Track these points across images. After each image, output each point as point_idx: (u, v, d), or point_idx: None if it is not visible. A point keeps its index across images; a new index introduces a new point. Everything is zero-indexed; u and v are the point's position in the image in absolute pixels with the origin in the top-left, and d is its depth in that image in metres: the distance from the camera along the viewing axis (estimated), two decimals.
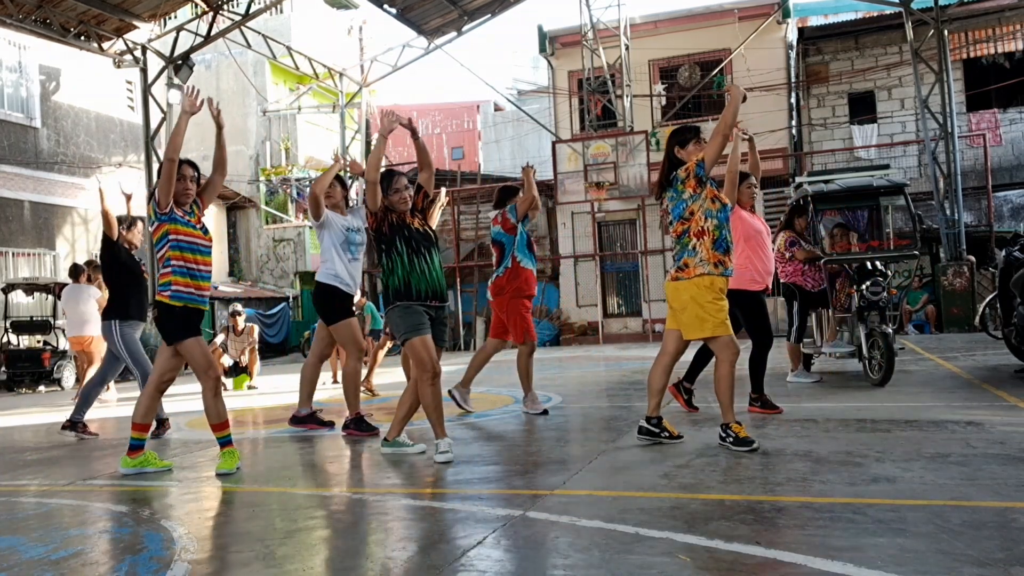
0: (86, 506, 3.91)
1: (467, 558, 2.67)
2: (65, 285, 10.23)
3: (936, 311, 15.61)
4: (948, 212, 15.19)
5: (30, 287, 14.69)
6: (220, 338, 10.90)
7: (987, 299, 10.05)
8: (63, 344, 13.14)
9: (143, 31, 16.66)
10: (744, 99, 4.32)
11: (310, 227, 21.35)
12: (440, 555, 2.73)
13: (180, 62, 16.81)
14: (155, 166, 15.87)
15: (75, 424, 6.34)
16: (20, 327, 14.24)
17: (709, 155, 4.27)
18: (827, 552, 2.50)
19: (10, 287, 14.45)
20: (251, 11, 17.62)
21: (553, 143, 19.01)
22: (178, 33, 16.87)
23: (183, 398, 8.95)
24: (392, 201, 4.58)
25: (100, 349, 8.19)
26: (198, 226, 4.55)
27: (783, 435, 4.63)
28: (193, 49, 17.07)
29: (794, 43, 18.67)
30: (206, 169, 4.75)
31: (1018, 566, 2.31)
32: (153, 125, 16.84)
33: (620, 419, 5.67)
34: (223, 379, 10.43)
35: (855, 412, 5.33)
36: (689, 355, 5.50)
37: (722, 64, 18.33)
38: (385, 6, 18.13)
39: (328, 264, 5.67)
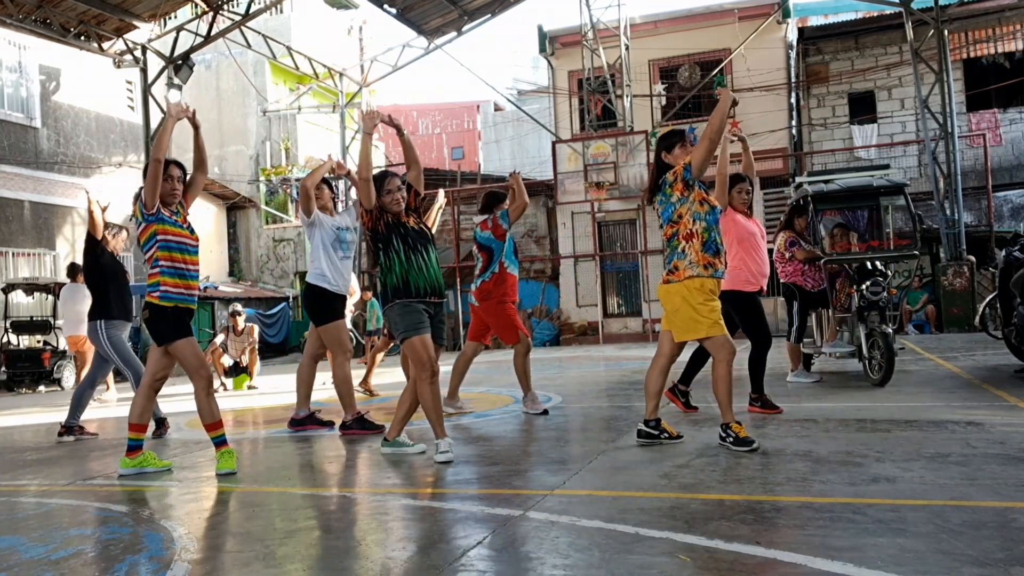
0: (86, 506, 3.91)
1: (467, 558, 2.67)
2: (64, 285, 10.24)
3: (936, 311, 15.62)
4: (948, 212, 15.19)
5: (30, 287, 14.69)
6: (220, 338, 10.90)
7: (987, 299, 10.05)
8: (63, 344, 13.14)
9: (143, 31, 16.66)
10: (735, 103, 4.33)
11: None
12: (440, 555, 2.73)
13: (180, 62, 16.81)
14: None
15: (71, 429, 6.34)
16: (20, 327, 14.25)
17: (696, 160, 4.27)
18: (827, 552, 2.50)
19: (10, 287, 14.46)
20: (251, 11, 17.62)
21: (553, 143, 19.01)
22: (178, 33, 16.87)
23: (183, 398, 8.94)
24: (385, 202, 4.59)
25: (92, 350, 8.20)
26: (185, 226, 4.57)
27: (783, 435, 4.62)
28: (193, 49, 17.07)
29: (794, 43, 18.67)
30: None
31: (1018, 566, 2.31)
32: (153, 125, 16.80)
33: (620, 419, 5.68)
34: (224, 379, 10.56)
35: (855, 412, 5.33)
36: (686, 356, 5.50)
37: (722, 64, 18.34)
38: (385, 6, 18.13)
39: (316, 264, 5.69)
